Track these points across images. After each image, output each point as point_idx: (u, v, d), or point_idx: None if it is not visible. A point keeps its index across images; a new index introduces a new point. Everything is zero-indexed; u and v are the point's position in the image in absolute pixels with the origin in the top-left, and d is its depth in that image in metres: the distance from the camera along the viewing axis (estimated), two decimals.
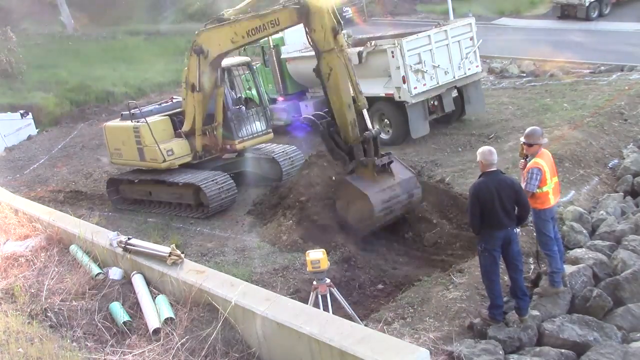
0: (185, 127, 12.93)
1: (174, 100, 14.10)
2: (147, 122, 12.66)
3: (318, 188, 10.87)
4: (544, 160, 7.29)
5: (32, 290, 7.58)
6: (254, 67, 14.60)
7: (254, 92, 14.69)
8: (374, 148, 10.05)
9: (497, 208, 6.65)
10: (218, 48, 11.67)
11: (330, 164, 11.16)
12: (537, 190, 7.21)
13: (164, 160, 12.57)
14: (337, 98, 10.09)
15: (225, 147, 13.27)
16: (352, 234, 9.98)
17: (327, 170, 11.20)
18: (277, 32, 11.12)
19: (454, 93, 14.76)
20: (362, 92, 10.36)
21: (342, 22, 10.06)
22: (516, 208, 6.81)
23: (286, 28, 10.93)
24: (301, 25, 10.33)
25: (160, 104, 14.23)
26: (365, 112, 10.29)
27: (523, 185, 7.17)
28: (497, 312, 6.95)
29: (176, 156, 12.75)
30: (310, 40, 10.19)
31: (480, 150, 6.98)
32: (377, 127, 10.45)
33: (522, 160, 7.62)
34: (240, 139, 13.10)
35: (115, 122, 14.15)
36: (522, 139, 7.56)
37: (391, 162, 10.17)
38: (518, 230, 7.15)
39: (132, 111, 13.37)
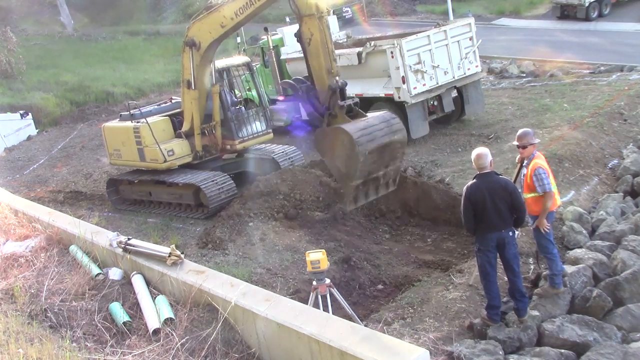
0: (185, 126, 12.94)
1: (173, 101, 14.10)
2: (147, 122, 12.66)
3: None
4: (544, 162, 7.27)
5: (32, 291, 7.59)
6: (254, 68, 14.60)
7: (253, 92, 14.68)
8: (341, 97, 10.16)
9: (488, 210, 6.64)
10: (209, 36, 11.66)
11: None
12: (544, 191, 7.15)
13: (165, 161, 12.57)
14: (317, 63, 10.14)
15: (225, 147, 13.27)
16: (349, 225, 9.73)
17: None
18: (263, 7, 11.03)
19: (454, 93, 14.76)
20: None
21: None
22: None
23: (272, 1, 10.87)
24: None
25: (159, 105, 14.23)
26: (339, 80, 10.31)
27: (538, 187, 7.08)
28: (493, 312, 6.94)
29: (177, 156, 12.75)
30: (292, 4, 10.12)
31: (473, 152, 6.96)
32: (343, 80, 10.52)
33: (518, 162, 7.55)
34: (240, 139, 13.10)
35: (114, 123, 14.14)
36: (515, 143, 7.43)
37: (356, 102, 10.32)
38: (517, 233, 7.12)
39: (132, 112, 13.36)
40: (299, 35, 10.30)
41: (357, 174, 9.50)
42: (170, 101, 14.24)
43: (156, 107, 14.02)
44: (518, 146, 7.36)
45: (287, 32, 16.82)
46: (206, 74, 12.35)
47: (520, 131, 7.47)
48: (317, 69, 10.19)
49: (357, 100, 10.44)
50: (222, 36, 11.84)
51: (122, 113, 13.96)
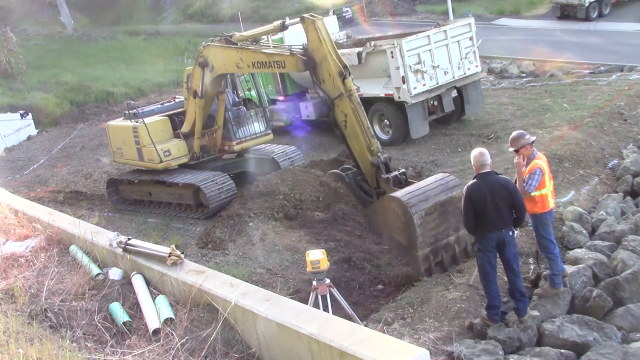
0: (185, 128, 12.95)
1: (177, 100, 14.11)
2: (144, 122, 12.69)
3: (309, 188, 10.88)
4: (543, 162, 7.27)
5: (32, 291, 7.59)
6: None
7: (253, 93, 14.69)
8: (386, 171, 9.94)
9: (489, 209, 6.64)
10: (223, 67, 11.74)
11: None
12: (536, 193, 7.17)
13: (161, 161, 12.61)
14: (357, 144, 10.05)
15: (223, 148, 13.28)
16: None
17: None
18: (278, 70, 11.08)
19: (454, 93, 14.76)
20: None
21: (348, 67, 10.01)
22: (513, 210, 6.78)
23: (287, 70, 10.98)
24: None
25: (162, 104, 14.25)
26: (381, 155, 10.09)
27: (523, 185, 7.13)
28: (493, 312, 6.95)
29: (173, 157, 12.78)
30: (320, 91, 10.18)
31: (472, 153, 6.97)
32: (386, 154, 10.20)
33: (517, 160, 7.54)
34: (237, 140, 13.09)
35: (118, 122, 14.19)
36: (510, 148, 7.42)
37: (403, 172, 10.00)
38: (517, 232, 7.12)
39: (133, 111, 13.39)
40: (334, 123, 10.18)
41: (420, 242, 8.65)
42: (174, 100, 14.25)
43: (159, 106, 14.06)
44: (515, 150, 7.35)
45: (287, 32, 16.79)
46: (215, 88, 12.40)
47: (512, 135, 7.43)
48: (358, 150, 10.08)
49: (403, 170, 10.08)
50: (235, 72, 12.13)
51: (126, 112, 14.00)
